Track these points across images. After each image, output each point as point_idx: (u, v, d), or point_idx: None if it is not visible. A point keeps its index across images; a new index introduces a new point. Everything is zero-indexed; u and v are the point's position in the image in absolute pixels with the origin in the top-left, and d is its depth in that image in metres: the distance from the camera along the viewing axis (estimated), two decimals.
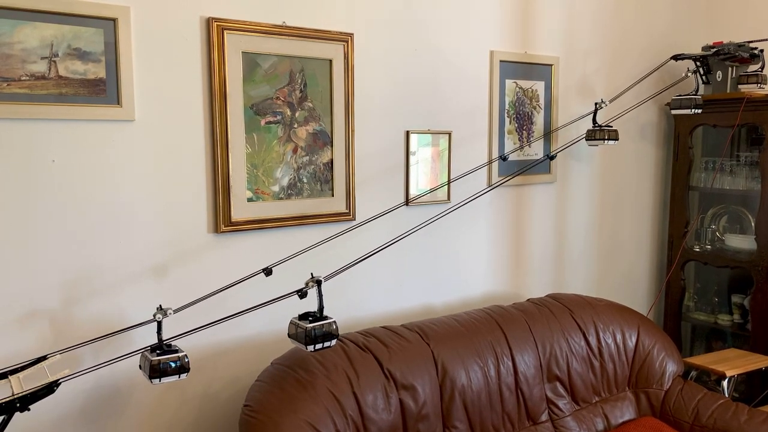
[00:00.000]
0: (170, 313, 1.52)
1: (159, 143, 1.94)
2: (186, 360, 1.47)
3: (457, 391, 2.09)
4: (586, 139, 2.60)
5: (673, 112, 2.65)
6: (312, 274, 1.64)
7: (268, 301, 1.64)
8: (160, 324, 1.53)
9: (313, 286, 1.55)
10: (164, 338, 1.51)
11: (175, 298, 2.01)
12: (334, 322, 1.54)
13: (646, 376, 2.48)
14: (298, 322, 1.53)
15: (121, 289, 1.92)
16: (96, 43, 1.80)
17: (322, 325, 1.52)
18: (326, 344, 1.52)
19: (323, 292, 2.32)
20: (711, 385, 2.87)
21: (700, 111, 2.62)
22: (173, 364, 1.45)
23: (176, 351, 1.48)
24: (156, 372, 1.44)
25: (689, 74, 2.63)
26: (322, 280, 1.55)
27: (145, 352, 1.48)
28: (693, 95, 2.62)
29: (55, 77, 1.75)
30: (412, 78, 2.47)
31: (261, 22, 2.09)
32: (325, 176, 2.27)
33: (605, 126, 2.56)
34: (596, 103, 2.63)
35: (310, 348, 1.50)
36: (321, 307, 1.55)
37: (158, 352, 1.46)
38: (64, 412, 1.87)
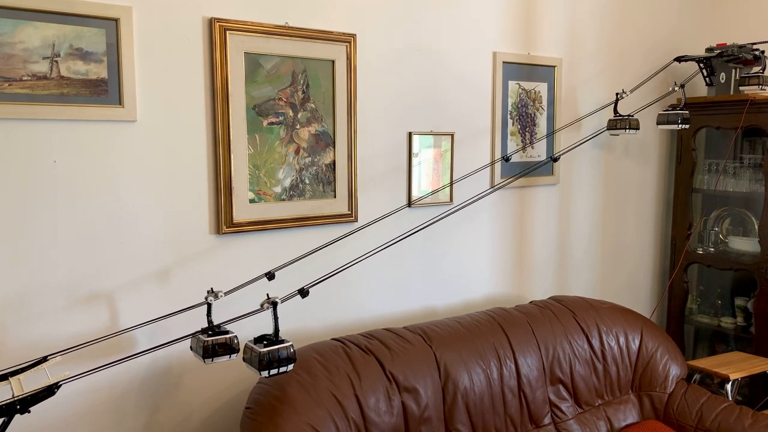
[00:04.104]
0: (221, 296, 1.60)
1: (161, 144, 1.94)
2: (236, 341, 1.52)
3: (460, 394, 2.08)
4: (608, 129, 2.61)
5: (660, 127, 2.63)
6: (268, 294, 1.59)
7: (246, 314, 1.61)
8: (210, 307, 1.60)
9: (268, 308, 1.48)
10: (165, 341, 1.50)
11: (177, 298, 2.00)
12: (291, 345, 1.46)
13: (649, 379, 2.46)
14: (253, 345, 1.45)
15: (123, 290, 1.91)
16: (98, 43, 1.79)
17: (277, 349, 1.44)
18: (282, 369, 1.45)
19: (323, 297, 2.32)
20: (714, 389, 2.85)
21: (687, 126, 2.61)
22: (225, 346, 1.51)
23: (226, 332, 1.52)
24: (208, 352, 1.48)
25: (676, 88, 2.60)
26: (279, 301, 1.48)
27: (198, 335, 1.52)
28: (680, 110, 2.59)
29: (56, 77, 1.74)
30: (415, 79, 2.46)
31: (263, 22, 2.08)
32: (328, 177, 2.26)
33: (627, 115, 2.57)
34: (617, 94, 2.64)
35: (264, 374, 1.43)
36: (276, 330, 1.47)
37: (209, 333, 1.50)
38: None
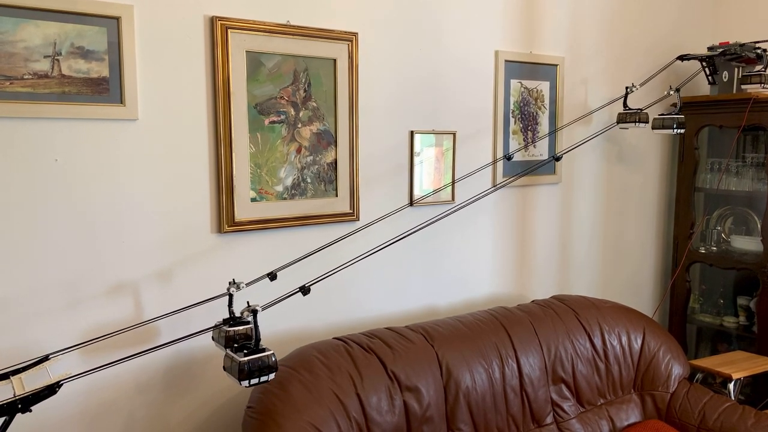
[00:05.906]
0: (243, 287, 1.62)
1: (162, 143, 1.93)
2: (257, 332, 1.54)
3: (462, 393, 2.08)
4: (618, 122, 2.61)
5: (655, 131, 2.62)
6: (248, 302, 1.57)
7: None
8: (231, 297, 1.62)
9: (249, 316, 1.46)
10: (165, 342, 1.50)
11: (178, 298, 2.00)
12: (273, 354, 1.43)
13: (651, 379, 2.46)
14: (233, 354, 1.43)
15: (124, 289, 1.91)
16: (99, 42, 1.79)
17: (258, 358, 1.41)
18: (263, 378, 1.41)
19: (325, 296, 2.31)
20: (717, 388, 2.85)
21: (683, 130, 2.60)
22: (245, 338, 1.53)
23: (247, 323, 1.53)
24: (231, 342, 1.50)
25: (671, 92, 2.60)
26: (259, 309, 1.45)
27: (220, 325, 1.54)
28: (675, 114, 2.58)
29: (58, 76, 1.74)
30: (417, 78, 2.46)
31: (265, 21, 2.07)
32: (329, 176, 2.26)
33: (636, 109, 2.58)
34: (627, 87, 2.64)
35: (245, 383, 1.39)
36: (257, 339, 1.44)
37: (231, 323, 1.52)
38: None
